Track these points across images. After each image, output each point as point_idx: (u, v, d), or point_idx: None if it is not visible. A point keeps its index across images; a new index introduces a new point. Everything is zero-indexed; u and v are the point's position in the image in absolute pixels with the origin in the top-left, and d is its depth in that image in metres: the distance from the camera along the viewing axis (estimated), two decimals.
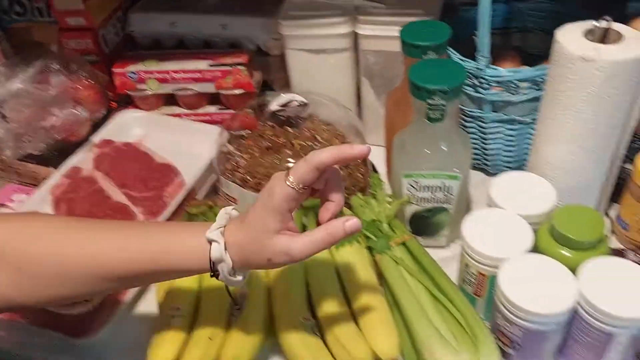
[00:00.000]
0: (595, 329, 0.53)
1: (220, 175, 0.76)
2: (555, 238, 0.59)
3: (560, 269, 0.56)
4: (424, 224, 0.73)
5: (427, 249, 0.68)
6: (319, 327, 0.60)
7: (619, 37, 0.59)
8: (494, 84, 0.71)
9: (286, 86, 0.91)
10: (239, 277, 0.50)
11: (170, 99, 0.94)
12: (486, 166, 0.82)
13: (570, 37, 0.60)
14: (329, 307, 0.60)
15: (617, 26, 0.60)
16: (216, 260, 0.49)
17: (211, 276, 0.50)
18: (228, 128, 0.83)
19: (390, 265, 0.66)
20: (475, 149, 0.81)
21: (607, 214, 0.75)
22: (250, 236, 0.49)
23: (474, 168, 0.85)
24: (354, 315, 0.60)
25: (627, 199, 0.69)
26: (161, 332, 0.58)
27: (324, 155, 0.47)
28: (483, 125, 0.77)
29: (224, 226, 0.50)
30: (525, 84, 0.70)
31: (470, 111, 0.76)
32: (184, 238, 0.50)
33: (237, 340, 0.58)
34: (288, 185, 0.47)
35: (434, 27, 0.70)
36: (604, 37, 0.60)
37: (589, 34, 0.60)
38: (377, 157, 0.83)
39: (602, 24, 0.58)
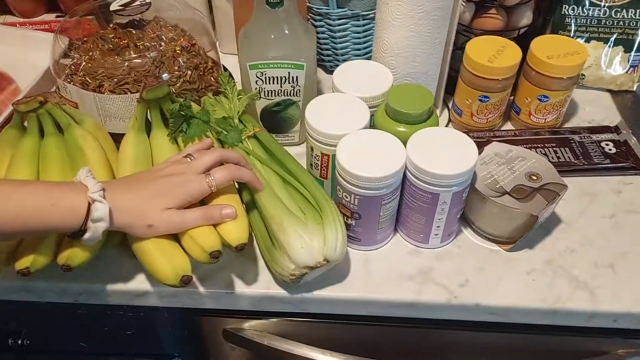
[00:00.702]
0: (422, 191, 0.58)
1: (59, 79, 0.72)
2: (389, 114, 0.62)
3: (392, 141, 0.59)
4: (275, 119, 0.73)
5: None
6: None
7: None
8: None
9: None
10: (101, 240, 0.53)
11: (3, 8, 0.85)
12: (338, 66, 0.84)
13: None
14: None
15: None
16: (96, 220, 0.50)
17: (70, 235, 0.52)
18: (70, 37, 0.78)
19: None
20: (327, 48, 0.82)
21: (446, 104, 0.80)
22: (141, 204, 0.53)
23: (328, 70, 0.86)
24: None
25: (460, 85, 0.74)
26: None
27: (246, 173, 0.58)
28: (330, 22, 0.78)
29: (104, 189, 0.51)
30: None
31: (318, 8, 0.77)
32: (66, 197, 0.50)
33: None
34: (208, 187, 0.55)
35: None
36: None
37: None
38: (234, 68, 0.81)
39: None
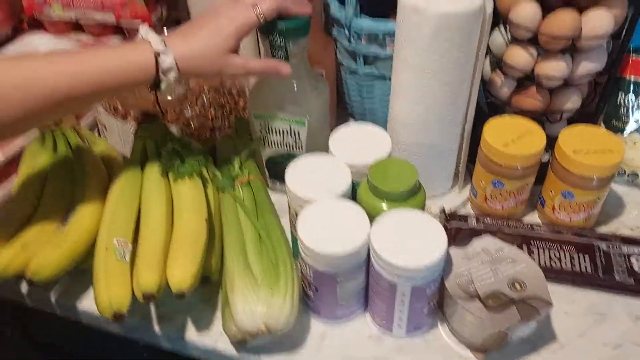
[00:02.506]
0: (382, 278, 0.53)
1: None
2: (370, 189, 0.59)
3: (360, 217, 0.55)
4: (279, 168, 0.72)
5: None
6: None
7: None
8: (363, 37, 0.70)
9: None
10: (177, 83, 0.58)
11: (79, 28, 0.94)
12: (366, 122, 0.82)
13: None
14: (148, 232, 0.60)
15: None
16: (165, 70, 0.55)
17: (152, 88, 0.57)
18: None
19: (229, 202, 0.66)
20: (357, 104, 0.80)
21: (471, 178, 0.74)
22: (202, 50, 0.56)
23: None
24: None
25: (477, 164, 0.68)
26: None
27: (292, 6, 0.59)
28: (359, 79, 0.76)
29: (163, 40, 0.55)
30: (391, 39, 0.69)
31: (348, 64, 0.76)
32: (134, 54, 0.55)
33: (48, 251, 0.59)
34: (255, 15, 0.57)
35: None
36: None
37: None
38: None
39: None
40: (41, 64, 0.52)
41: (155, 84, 0.56)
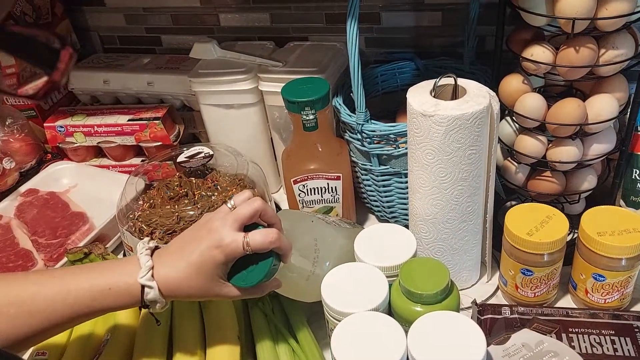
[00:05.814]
0: None
1: (119, 224, 0.79)
2: (403, 292, 0.59)
3: (394, 329, 0.55)
4: None
5: None
6: None
7: (464, 92, 0.60)
8: (375, 138, 0.73)
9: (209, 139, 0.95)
10: (167, 305, 0.56)
11: (99, 151, 0.98)
12: (387, 218, 0.83)
13: (418, 94, 0.61)
14: (183, 355, 0.60)
15: (463, 82, 0.61)
16: (151, 302, 0.54)
17: (141, 308, 0.55)
18: (151, 178, 0.87)
19: (258, 317, 0.66)
20: (375, 201, 0.82)
21: (498, 266, 0.74)
22: (196, 281, 0.53)
23: (380, 219, 0.85)
24: None
25: (502, 254, 0.68)
26: None
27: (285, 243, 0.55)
28: (375, 177, 0.78)
29: (152, 267, 0.54)
30: (403, 138, 0.71)
31: (363, 164, 0.78)
32: (120, 281, 0.53)
33: None
34: (245, 248, 0.53)
35: (314, 84, 0.73)
36: (454, 93, 0.62)
37: (439, 90, 0.61)
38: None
39: (443, 81, 0.60)
40: (24, 286, 0.52)
41: (143, 306, 0.54)
